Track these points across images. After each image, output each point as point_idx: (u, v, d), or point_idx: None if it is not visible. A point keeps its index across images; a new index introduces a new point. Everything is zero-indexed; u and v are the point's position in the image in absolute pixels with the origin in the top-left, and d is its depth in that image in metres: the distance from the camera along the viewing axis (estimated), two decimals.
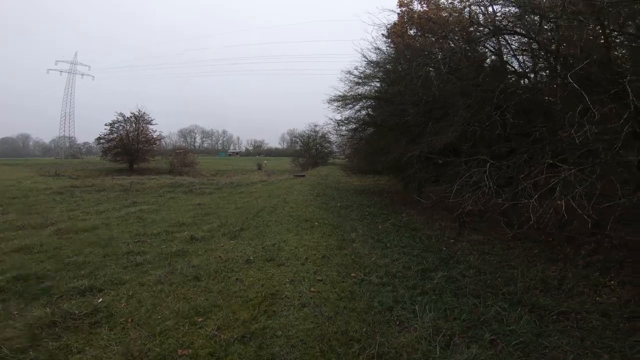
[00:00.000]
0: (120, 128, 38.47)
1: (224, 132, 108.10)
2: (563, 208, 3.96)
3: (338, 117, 14.10)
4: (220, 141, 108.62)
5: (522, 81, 8.41)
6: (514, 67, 8.39)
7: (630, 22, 5.47)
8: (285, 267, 4.76)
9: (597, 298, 4.29)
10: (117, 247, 6.44)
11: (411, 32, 11.89)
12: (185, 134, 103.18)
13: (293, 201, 9.81)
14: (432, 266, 5.21)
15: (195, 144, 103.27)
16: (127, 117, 38.37)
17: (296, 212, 8.30)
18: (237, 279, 4.62)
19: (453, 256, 5.93)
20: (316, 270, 4.56)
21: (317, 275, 4.39)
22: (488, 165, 5.03)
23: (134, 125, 39.04)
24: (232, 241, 6.54)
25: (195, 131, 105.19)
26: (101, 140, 38.48)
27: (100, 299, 4.12)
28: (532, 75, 7.96)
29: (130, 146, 38.15)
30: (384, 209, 10.33)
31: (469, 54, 8.52)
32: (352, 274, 4.49)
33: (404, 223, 8.55)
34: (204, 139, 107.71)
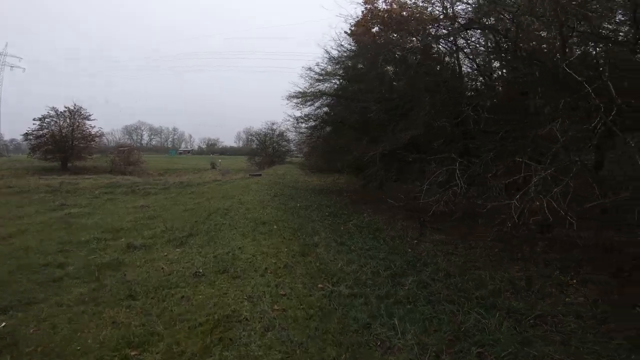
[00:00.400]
0: (52, 123, 34.27)
1: (175, 129, 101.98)
2: (545, 207, 3.78)
3: (298, 113, 13.56)
4: (170, 139, 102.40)
5: (476, 82, 8.58)
6: (471, 68, 8.52)
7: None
8: (242, 280, 4.11)
9: (567, 299, 4.23)
10: (33, 259, 5.33)
11: (374, 29, 11.69)
12: (130, 131, 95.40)
13: (249, 202, 9.07)
14: (400, 270, 4.96)
15: (143, 142, 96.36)
16: (61, 112, 34.28)
17: (253, 214, 7.59)
18: (183, 296, 3.89)
19: (419, 258, 5.72)
20: (278, 283, 3.98)
21: (280, 289, 3.81)
22: (457, 163, 4.81)
23: (68, 121, 34.99)
24: (178, 249, 5.71)
25: (142, 128, 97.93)
26: (29, 137, 33.93)
27: (3, 323, 3.33)
28: (493, 75, 8.10)
29: (63, 143, 34.10)
30: (344, 209, 9.97)
31: (432, 51, 8.49)
32: (319, 285, 3.97)
33: (366, 223, 8.25)
34: (152, 137, 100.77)
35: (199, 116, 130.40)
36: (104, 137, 40.29)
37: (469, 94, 8.05)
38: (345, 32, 13.08)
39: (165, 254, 5.50)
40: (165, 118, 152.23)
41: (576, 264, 5.11)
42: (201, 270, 4.52)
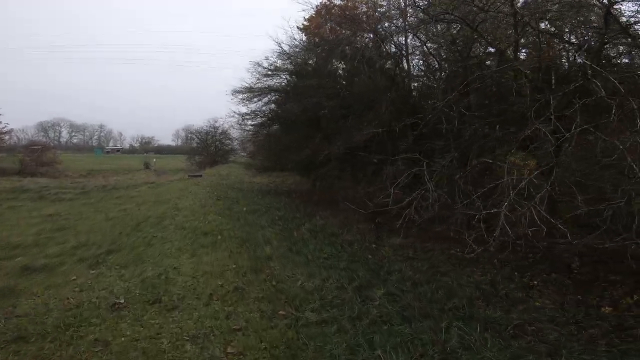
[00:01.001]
0: None
1: (102, 126, 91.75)
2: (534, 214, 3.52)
3: (244, 110, 12.52)
4: (95, 136, 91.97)
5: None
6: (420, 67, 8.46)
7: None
8: (181, 313, 3.21)
9: (536, 303, 4.10)
10: None
11: (328, 25, 11.17)
12: (46, 127, 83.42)
13: (187, 208, 7.93)
14: (365, 281, 4.49)
15: (62, 140, 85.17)
16: None
17: (192, 223, 6.54)
18: (96, 339, 2.91)
19: (382, 265, 5.35)
20: (229, 313, 3.17)
21: (232, 322, 3.02)
22: (425, 164, 4.46)
23: None
24: (92, 271, 4.55)
25: (62, 124, 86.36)
26: None
27: None
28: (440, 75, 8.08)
29: None
30: (295, 212, 9.30)
31: (383, 49, 8.22)
32: (280, 312, 3.25)
33: (320, 228, 7.68)
34: (74, 134, 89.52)
35: (132, 113, 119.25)
36: (12, 134, 34.28)
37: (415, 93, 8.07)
38: (298, 27, 12.48)
39: (75, 277, 4.31)
40: (92, 114, 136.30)
41: (529, 264, 5.12)
42: (123, 300, 3.51)
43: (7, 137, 31.51)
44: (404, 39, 8.33)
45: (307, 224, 8.05)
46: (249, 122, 13.24)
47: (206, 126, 33.96)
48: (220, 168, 24.94)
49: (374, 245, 6.51)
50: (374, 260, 5.55)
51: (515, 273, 4.73)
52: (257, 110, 11.64)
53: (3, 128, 30.49)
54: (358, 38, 9.48)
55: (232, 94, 12.57)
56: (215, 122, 33.86)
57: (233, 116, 11.77)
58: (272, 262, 4.84)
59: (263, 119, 11.60)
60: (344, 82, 8.97)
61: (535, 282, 4.50)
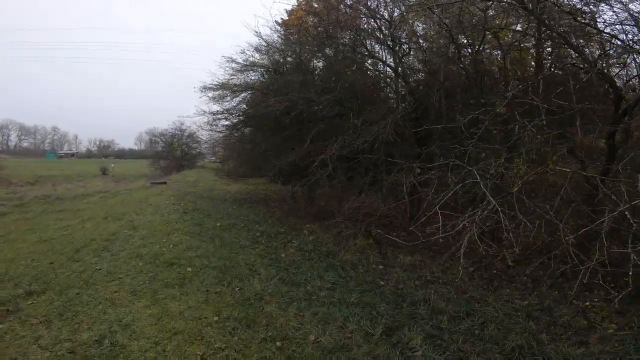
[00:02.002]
0: None
1: (55, 128, 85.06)
2: None
3: (215, 108, 11.02)
4: (48, 140, 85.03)
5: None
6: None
7: None
8: None
9: (608, 330, 3.35)
10: None
11: (310, 20, 10.02)
12: None
13: (146, 225, 6.36)
14: (390, 320, 3.57)
15: (10, 143, 78.17)
16: None
17: (151, 248, 5.04)
18: None
19: (401, 294, 4.43)
20: None
21: None
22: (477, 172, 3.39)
23: None
24: None
25: (10, 127, 79.12)
26: None
27: None
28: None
29: None
30: (278, 226, 8.01)
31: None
32: None
33: (311, 246, 6.49)
34: (23, 137, 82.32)
35: (90, 115, 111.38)
36: None
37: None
38: (277, 22, 11.26)
39: None
40: (44, 116, 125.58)
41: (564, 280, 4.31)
42: None
43: None
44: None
45: (294, 240, 6.82)
46: (222, 122, 11.80)
47: (172, 128, 31.43)
48: (188, 174, 22.90)
49: (381, 267, 5.52)
50: (390, 288, 4.58)
51: (556, 292, 4.16)
52: (231, 109, 10.22)
53: None
54: (342, 34, 8.46)
55: (202, 90, 11.06)
56: (182, 124, 31.46)
57: (203, 114, 10.25)
58: (266, 304, 3.55)
59: (238, 118, 10.18)
60: (333, 79, 7.86)
61: (588, 304, 3.89)
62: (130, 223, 6.42)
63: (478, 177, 3.27)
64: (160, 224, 6.35)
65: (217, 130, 11.98)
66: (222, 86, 11.09)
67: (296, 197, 10.88)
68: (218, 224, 7.19)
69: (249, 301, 3.58)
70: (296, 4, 11.23)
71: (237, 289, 3.87)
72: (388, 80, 7.36)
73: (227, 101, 11.65)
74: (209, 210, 8.69)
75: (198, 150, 33.43)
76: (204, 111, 10.09)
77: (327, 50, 8.56)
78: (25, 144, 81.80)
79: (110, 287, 3.81)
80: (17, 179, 28.12)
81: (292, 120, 7.53)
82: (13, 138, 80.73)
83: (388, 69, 7.20)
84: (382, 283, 4.80)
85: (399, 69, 6.02)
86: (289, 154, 7.52)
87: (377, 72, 8.82)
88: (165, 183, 15.18)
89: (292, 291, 4.10)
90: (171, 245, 5.10)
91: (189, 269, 4.26)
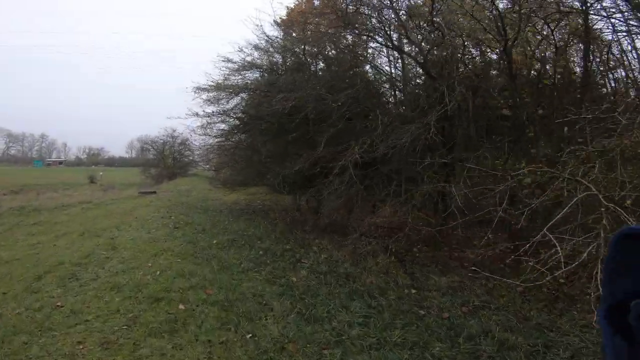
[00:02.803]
0: None
1: (43, 136, 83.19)
2: None
3: (211, 109, 10.08)
4: (36, 147, 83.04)
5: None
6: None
7: None
8: None
9: None
10: None
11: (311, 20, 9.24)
12: None
13: (129, 244, 5.33)
14: None
15: None
16: None
17: (133, 275, 4.01)
18: None
19: (450, 326, 3.56)
20: None
21: None
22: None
23: None
24: None
25: None
26: None
27: None
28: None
29: None
30: (283, 242, 7.04)
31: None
32: None
33: (326, 266, 5.55)
34: (11, 144, 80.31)
35: (79, 122, 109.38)
36: None
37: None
38: (275, 22, 10.48)
39: None
40: (32, 123, 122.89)
41: None
42: None
43: None
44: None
45: (304, 259, 5.87)
46: (217, 125, 10.85)
47: (163, 135, 30.32)
48: (180, 182, 21.80)
49: (413, 291, 4.66)
50: (434, 319, 3.69)
51: None
52: (228, 110, 9.30)
53: None
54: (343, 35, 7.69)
55: (195, 92, 10.12)
56: (174, 130, 30.39)
57: (195, 116, 9.30)
58: (290, 358, 2.58)
59: (235, 120, 9.26)
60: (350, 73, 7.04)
61: None
62: (110, 241, 5.39)
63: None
64: (146, 243, 5.33)
65: (212, 134, 11.04)
66: (218, 87, 10.19)
67: (301, 209, 9.92)
68: (214, 241, 6.19)
69: (268, 355, 2.61)
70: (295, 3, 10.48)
71: (248, 335, 2.89)
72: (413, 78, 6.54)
73: (223, 104, 10.77)
74: (204, 224, 7.66)
75: (191, 158, 32.29)
76: (197, 113, 9.14)
77: (345, 39, 7.75)
78: (12, 152, 79.81)
79: (72, 335, 2.79)
80: (0, 188, 26.78)
81: (299, 122, 6.63)
82: (1, 145, 78.70)
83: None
84: (423, 312, 3.94)
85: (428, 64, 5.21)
86: (295, 160, 6.58)
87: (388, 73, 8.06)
88: (155, 192, 14.11)
89: (317, 332, 3.15)
90: (158, 272, 4.08)
91: (182, 307, 3.26)
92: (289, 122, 7.07)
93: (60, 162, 71.26)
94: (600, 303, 0.57)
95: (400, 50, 5.37)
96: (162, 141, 30.71)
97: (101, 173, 35.02)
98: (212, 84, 10.12)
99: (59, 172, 47.89)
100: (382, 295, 4.44)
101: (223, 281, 4.18)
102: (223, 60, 9.87)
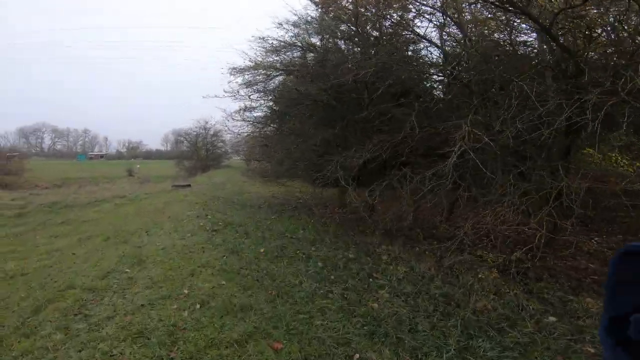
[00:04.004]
0: None
1: (86, 131, 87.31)
2: None
3: (244, 92, 8.88)
4: (80, 142, 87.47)
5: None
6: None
7: None
8: None
9: None
10: None
11: None
12: (27, 133, 79.51)
13: (160, 256, 4.18)
14: None
15: (44, 146, 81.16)
16: None
17: (162, 310, 2.79)
18: None
19: None
20: None
21: None
22: None
23: None
24: None
25: (44, 130, 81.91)
26: None
27: None
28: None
29: None
30: (342, 247, 5.70)
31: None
32: None
33: (411, 286, 4.14)
34: (57, 140, 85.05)
35: (119, 117, 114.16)
36: None
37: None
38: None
39: None
40: (76, 118, 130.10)
41: None
42: None
43: None
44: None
45: (378, 275, 4.50)
46: (255, 112, 9.65)
47: (196, 127, 30.01)
48: (214, 174, 21.10)
49: (553, 319, 3.29)
50: None
51: None
52: (269, 92, 8.06)
53: None
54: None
55: (231, 72, 9.00)
56: (206, 122, 30.00)
57: (235, 95, 8.16)
58: None
59: (278, 103, 7.98)
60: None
61: None
62: (137, 251, 4.28)
63: None
64: (180, 254, 4.17)
65: (250, 120, 9.86)
66: (257, 66, 8.98)
67: (351, 204, 8.50)
68: (262, 250, 4.95)
69: None
70: None
71: None
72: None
73: (260, 88, 9.62)
74: (245, 225, 6.47)
75: (223, 150, 31.86)
76: (237, 91, 7.96)
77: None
78: (58, 147, 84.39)
79: None
80: (43, 182, 27.66)
81: (373, 100, 5.18)
82: (47, 141, 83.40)
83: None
84: (593, 351, 2.52)
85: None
86: (363, 146, 5.17)
87: None
88: (189, 186, 13.26)
89: None
90: (198, 306, 2.85)
91: None
92: (350, 102, 5.67)
93: (102, 156, 74.36)
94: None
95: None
96: (195, 133, 30.47)
97: (138, 166, 35.57)
98: (250, 63, 8.96)
99: (100, 166, 49.69)
100: (513, 328, 3.04)
101: (287, 318, 2.89)
102: (257, 40, 8.70)
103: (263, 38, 8.60)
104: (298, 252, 5.21)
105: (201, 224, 5.76)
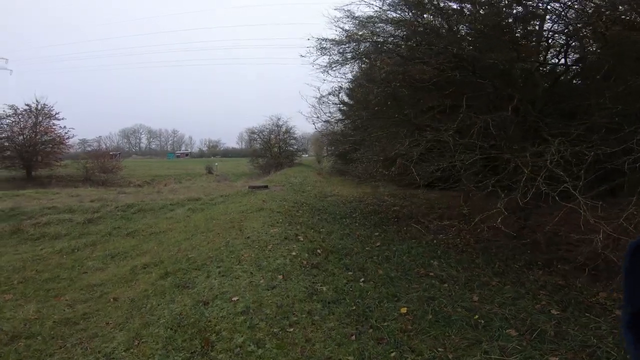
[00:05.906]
0: (14, 124, 28.21)
1: (174, 131, 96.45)
2: None
3: (325, 78, 7.00)
4: (169, 142, 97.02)
5: None
6: None
7: None
8: None
9: None
10: None
11: None
12: (128, 134, 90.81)
13: (239, 326, 2.37)
14: None
15: (141, 145, 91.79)
16: (22, 111, 28.19)
17: None
18: None
19: None
20: None
21: None
22: None
23: (32, 120, 28.97)
24: None
25: (141, 131, 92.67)
26: None
27: None
28: None
29: (25, 148, 28.05)
30: (529, 298, 3.31)
31: None
32: None
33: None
34: (151, 140, 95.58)
35: (200, 116, 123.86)
36: (75, 139, 33.66)
37: None
38: None
39: None
40: (167, 120, 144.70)
41: None
42: None
43: (69, 143, 30.46)
44: None
45: (532, 334, 2.10)
46: (336, 100, 7.72)
47: (269, 124, 29.42)
48: (289, 173, 19.84)
49: None
50: None
51: None
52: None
53: (66, 133, 29.61)
54: None
55: (319, 49, 7.15)
56: (279, 119, 29.25)
57: (327, 69, 6.37)
58: None
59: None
60: None
61: None
62: (199, 314, 2.53)
63: None
64: (273, 321, 2.29)
65: (336, 102, 7.98)
66: (351, 38, 7.00)
67: (466, 207, 5.96)
68: (402, 309, 2.86)
69: None
70: None
71: None
72: None
73: (347, 71, 7.75)
74: (352, 252, 4.44)
75: (295, 147, 30.88)
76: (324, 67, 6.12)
77: None
78: (153, 146, 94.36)
79: None
80: (136, 179, 29.74)
81: None
82: (144, 141, 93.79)
83: None
84: None
85: None
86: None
87: None
88: (266, 187, 11.88)
89: None
90: None
91: None
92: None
93: (187, 154, 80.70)
94: (622, 312, 0.58)
95: None
96: (267, 130, 29.92)
97: (216, 164, 36.69)
98: (337, 38, 7.09)
99: (185, 163, 53.30)
100: None
101: None
102: (345, 15, 6.82)
103: (351, 13, 6.61)
104: (459, 308, 3.00)
105: (293, 253, 3.88)
